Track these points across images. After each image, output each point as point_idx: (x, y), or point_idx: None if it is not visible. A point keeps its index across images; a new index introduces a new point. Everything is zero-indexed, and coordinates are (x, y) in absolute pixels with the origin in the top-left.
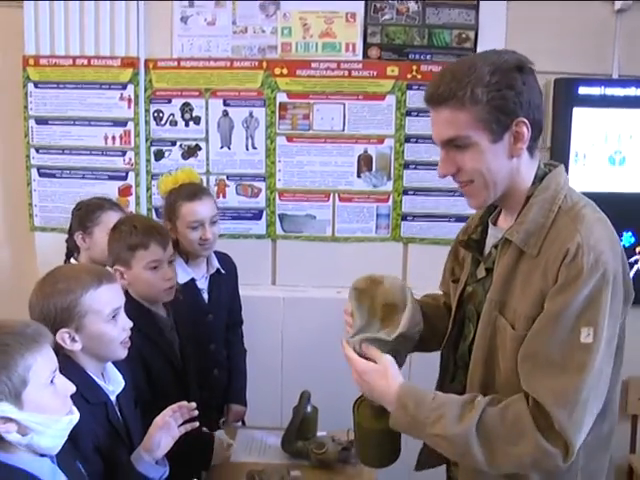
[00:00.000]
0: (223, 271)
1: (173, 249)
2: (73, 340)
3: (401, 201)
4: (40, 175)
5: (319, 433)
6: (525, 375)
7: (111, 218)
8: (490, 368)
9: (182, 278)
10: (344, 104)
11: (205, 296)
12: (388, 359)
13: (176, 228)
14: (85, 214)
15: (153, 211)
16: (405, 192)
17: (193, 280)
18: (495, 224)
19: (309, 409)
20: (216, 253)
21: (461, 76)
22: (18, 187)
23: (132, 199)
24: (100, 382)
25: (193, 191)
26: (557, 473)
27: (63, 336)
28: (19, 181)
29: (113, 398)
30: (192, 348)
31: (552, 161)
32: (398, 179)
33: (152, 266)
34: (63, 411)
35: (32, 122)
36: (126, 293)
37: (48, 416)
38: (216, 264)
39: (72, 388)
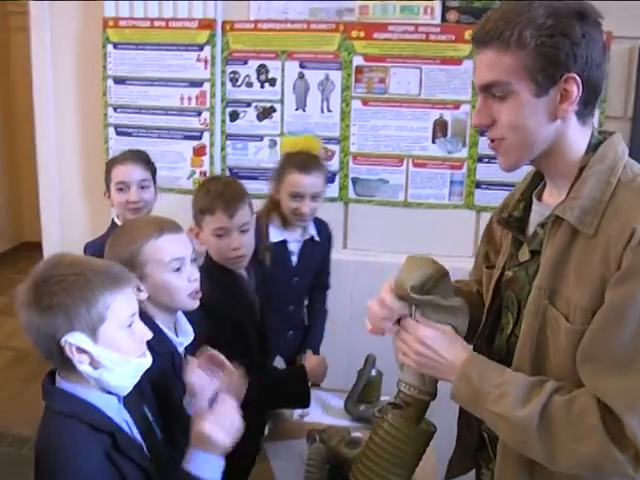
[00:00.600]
0: (318, 238)
1: (273, 208)
2: (138, 289)
3: (475, 168)
4: (117, 134)
5: (383, 398)
6: (589, 378)
7: (118, 173)
8: (539, 365)
9: (275, 237)
10: (421, 68)
11: (294, 259)
12: (449, 329)
13: (279, 191)
14: (105, 171)
15: (227, 171)
16: (480, 159)
17: (285, 242)
18: (540, 200)
19: (374, 373)
20: (315, 219)
21: (512, 15)
22: (96, 145)
23: (206, 159)
24: (169, 333)
25: (305, 162)
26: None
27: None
28: (97, 139)
29: (181, 350)
30: (272, 308)
31: (608, 131)
32: (473, 146)
33: (217, 233)
34: (136, 354)
35: (110, 82)
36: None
37: (120, 355)
38: (312, 231)
39: (149, 335)
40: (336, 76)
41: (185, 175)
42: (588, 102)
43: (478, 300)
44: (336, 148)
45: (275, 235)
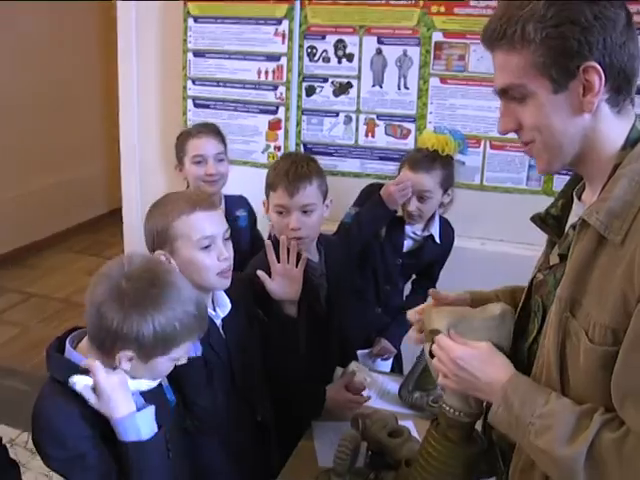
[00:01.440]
0: (438, 240)
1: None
2: (169, 262)
3: None
4: (195, 106)
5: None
6: (631, 418)
7: (194, 146)
8: (556, 378)
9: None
10: None
11: (406, 243)
12: (487, 345)
13: None
14: (177, 144)
15: (302, 146)
16: None
17: (402, 219)
18: (580, 198)
19: None
20: (444, 221)
21: (513, 10)
22: (174, 116)
23: (281, 133)
24: None
25: (420, 161)
26: None
27: (159, 256)
28: (176, 111)
29: (218, 322)
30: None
31: None
32: None
33: (278, 210)
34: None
35: (190, 55)
36: None
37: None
38: (433, 231)
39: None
40: (414, 52)
41: (260, 149)
42: (621, 87)
43: None
44: (412, 126)
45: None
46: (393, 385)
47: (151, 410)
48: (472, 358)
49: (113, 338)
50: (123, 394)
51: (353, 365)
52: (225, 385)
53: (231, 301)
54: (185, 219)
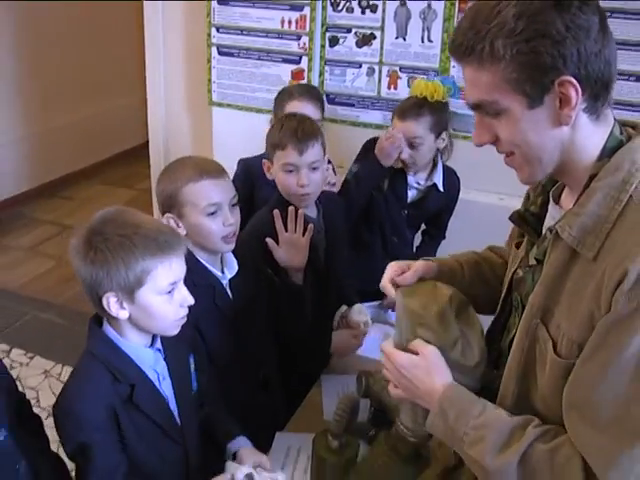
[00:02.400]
0: (441, 189)
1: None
2: (177, 225)
3: None
4: (219, 53)
5: None
6: (572, 428)
7: (292, 107)
8: (525, 382)
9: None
10: None
11: (410, 193)
12: (433, 352)
13: None
14: (276, 100)
15: (325, 97)
16: None
17: (405, 173)
18: (557, 201)
19: None
20: (447, 168)
21: (480, 24)
22: (199, 64)
23: (304, 83)
24: (208, 266)
25: (407, 109)
26: None
27: (168, 220)
28: (200, 58)
29: (224, 282)
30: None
31: (636, 122)
32: None
33: (287, 169)
34: (173, 318)
35: (214, 3)
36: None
37: (153, 318)
38: (436, 179)
39: (190, 300)
40: (439, 5)
41: None
42: (598, 95)
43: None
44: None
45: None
46: None
47: None
48: (413, 367)
49: (93, 288)
50: None
51: (356, 307)
52: (231, 343)
53: (238, 262)
54: (192, 186)
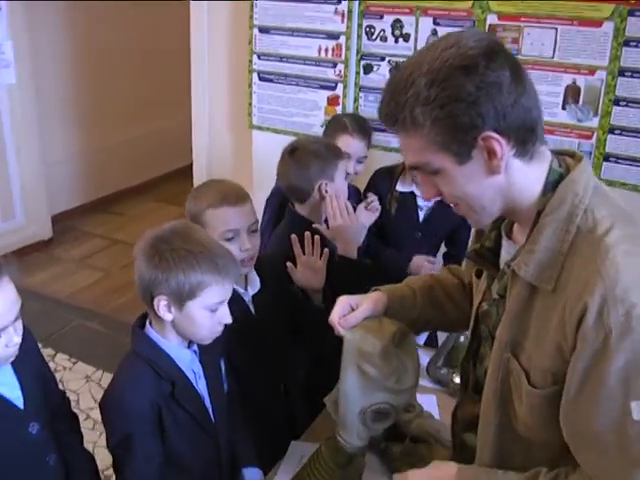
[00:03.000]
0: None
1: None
2: None
3: (605, 140)
4: (260, 79)
5: None
6: (581, 459)
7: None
8: (505, 411)
9: (402, 187)
10: (556, 29)
11: (421, 214)
12: (434, 463)
13: None
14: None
15: None
16: (611, 131)
17: (413, 194)
18: (510, 236)
19: (462, 339)
20: None
21: (398, 95)
22: (241, 89)
23: (339, 109)
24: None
25: None
26: None
27: None
28: (242, 84)
29: (247, 299)
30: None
31: (573, 151)
32: (605, 115)
33: (344, 176)
34: (209, 333)
35: (256, 30)
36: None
37: (194, 329)
38: None
39: (228, 320)
40: None
41: (318, 123)
42: (525, 139)
43: (467, 292)
44: None
45: (402, 185)
46: (425, 358)
47: None
48: (427, 476)
49: (149, 287)
50: None
51: None
52: (251, 357)
53: (261, 280)
54: (212, 211)
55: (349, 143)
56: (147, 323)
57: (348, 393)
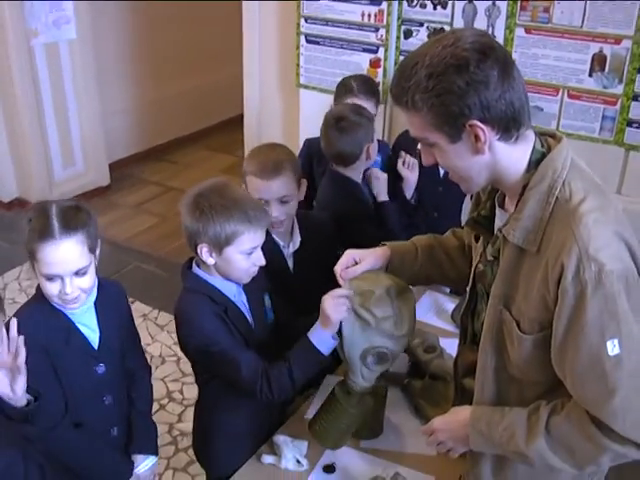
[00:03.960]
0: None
1: None
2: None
3: (629, 106)
4: (307, 42)
5: None
6: (573, 392)
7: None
8: (500, 356)
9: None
10: None
11: (441, 170)
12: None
13: None
14: (337, 91)
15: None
16: (635, 98)
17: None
18: (502, 205)
19: None
20: None
21: (404, 80)
22: (289, 50)
23: (380, 71)
24: (275, 237)
25: None
26: None
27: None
28: (290, 45)
29: (287, 253)
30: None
31: (554, 132)
32: (630, 83)
33: None
34: (246, 272)
35: None
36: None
37: (232, 272)
38: None
39: (262, 262)
40: (502, 3)
41: None
42: (508, 127)
43: (468, 254)
44: None
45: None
46: (450, 305)
47: (333, 345)
48: (444, 422)
49: (192, 236)
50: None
51: None
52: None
53: (304, 237)
54: (250, 179)
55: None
56: (194, 264)
57: (348, 337)
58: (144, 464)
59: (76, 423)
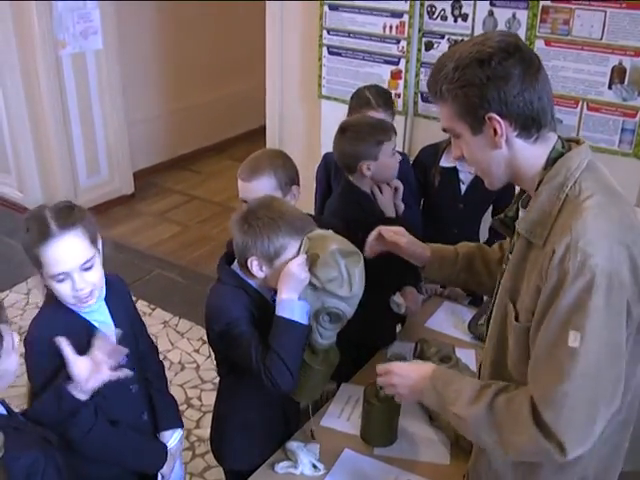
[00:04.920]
0: None
1: None
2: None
3: None
4: (329, 53)
5: None
6: (530, 371)
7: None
8: (500, 350)
9: (445, 162)
10: (606, 12)
11: (462, 187)
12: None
13: None
14: (352, 102)
15: (419, 95)
16: None
17: (456, 169)
18: (525, 207)
19: None
20: None
21: (437, 72)
22: (311, 61)
23: (401, 82)
24: None
25: None
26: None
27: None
28: (312, 57)
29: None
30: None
31: (579, 138)
32: None
33: (392, 153)
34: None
35: (326, 7)
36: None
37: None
38: None
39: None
40: (522, 15)
41: None
42: (526, 125)
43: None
44: None
45: (446, 161)
46: (468, 315)
47: (305, 306)
48: (404, 369)
49: (242, 251)
50: (295, 284)
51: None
52: None
53: None
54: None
55: (373, 116)
56: (235, 262)
57: (301, 299)
58: (173, 438)
59: (111, 420)
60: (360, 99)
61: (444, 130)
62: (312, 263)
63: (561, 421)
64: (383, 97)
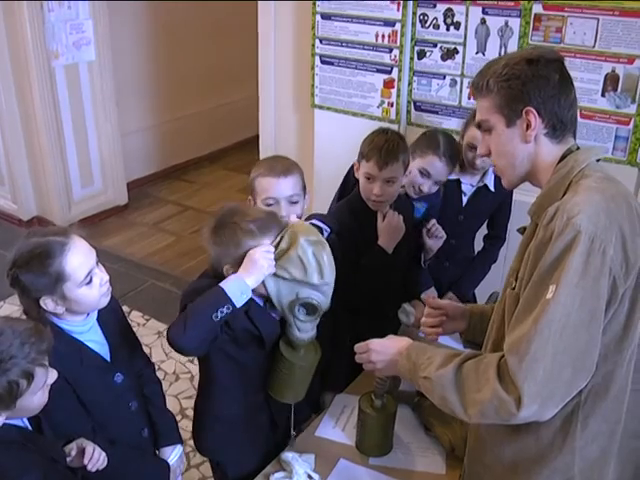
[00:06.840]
0: (492, 189)
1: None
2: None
3: None
4: (321, 62)
5: None
6: (511, 326)
7: None
8: (501, 329)
9: (450, 175)
10: (598, 19)
11: (464, 199)
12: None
13: (462, 138)
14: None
15: (412, 104)
16: None
17: (459, 181)
18: None
19: None
20: None
21: (486, 69)
22: (304, 71)
23: (394, 91)
24: None
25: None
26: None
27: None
28: (305, 66)
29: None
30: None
31: (597, 145)
32: None
33: (366, 176)
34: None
35: (318, 17)
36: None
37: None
38: (487, 181)
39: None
40: (515, 23)
41: (375, 104)
42: (555, 126)
43: None
44: None
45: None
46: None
47: (247, 286)
48: (381, 344)
49: (217, 262)
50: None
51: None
52: None
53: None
54: (259, 180)
55: (435, 164)
56: None
57: (274, 292)
58: (173, 454)
59: (110, 440)
60: (431, 140)
61: (478, 126)
62: (280, 256)
63: (522, 368)
64: (452, 149)
